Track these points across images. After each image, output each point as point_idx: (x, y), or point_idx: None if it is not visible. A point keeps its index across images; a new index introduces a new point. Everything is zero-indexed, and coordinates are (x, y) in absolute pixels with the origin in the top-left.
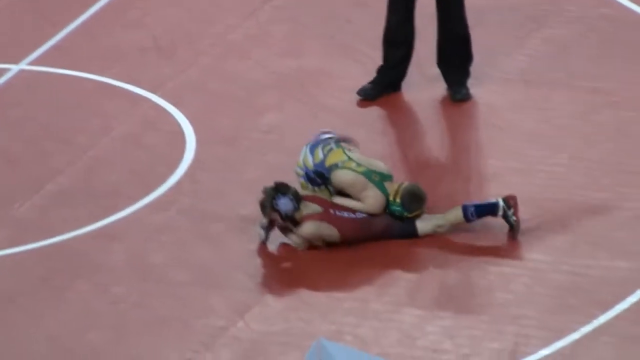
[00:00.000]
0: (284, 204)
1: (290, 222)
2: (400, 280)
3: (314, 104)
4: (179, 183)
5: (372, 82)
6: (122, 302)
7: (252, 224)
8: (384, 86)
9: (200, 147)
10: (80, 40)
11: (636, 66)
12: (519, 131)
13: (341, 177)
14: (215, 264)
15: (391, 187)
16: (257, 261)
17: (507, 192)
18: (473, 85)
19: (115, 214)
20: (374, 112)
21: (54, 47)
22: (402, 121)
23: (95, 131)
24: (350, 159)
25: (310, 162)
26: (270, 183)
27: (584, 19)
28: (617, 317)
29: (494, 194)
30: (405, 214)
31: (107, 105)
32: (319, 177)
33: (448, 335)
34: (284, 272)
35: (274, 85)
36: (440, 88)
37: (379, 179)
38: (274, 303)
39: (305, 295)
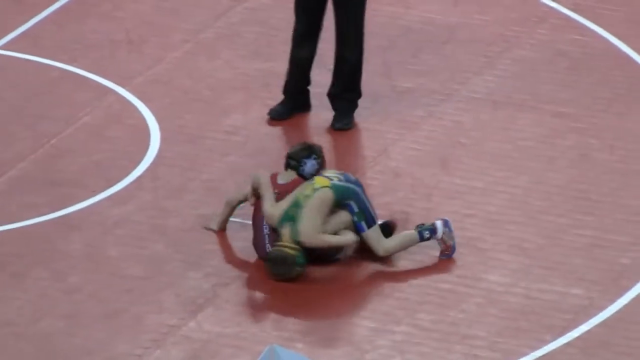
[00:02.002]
0: (311, 165)
1: None
2: (354, 293)
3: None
4: (140, 178)
5: (282, 102)
6: (77, 292)
7: (210, 223)
8: (294, 105)
9: (163, 143)
10: (51, 29)
11: (603, 93)
12: (483, 150)
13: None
14: (171, 261)
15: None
16: (214, 262)
17: (467, 211)
18: (441, 101)
19: (75, 205)
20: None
21: (24, 34)
22: (371, 135)
23: (61, 120)
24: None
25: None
26: (230, 184)
27: (554, 43)
28: (568, 344)
29: (454, 212)
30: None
31: (74, 95)
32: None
33: (398, 350)
34: (240, 276)
35: (241, 86)
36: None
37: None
38: (227, 305)
39: (260, 300)
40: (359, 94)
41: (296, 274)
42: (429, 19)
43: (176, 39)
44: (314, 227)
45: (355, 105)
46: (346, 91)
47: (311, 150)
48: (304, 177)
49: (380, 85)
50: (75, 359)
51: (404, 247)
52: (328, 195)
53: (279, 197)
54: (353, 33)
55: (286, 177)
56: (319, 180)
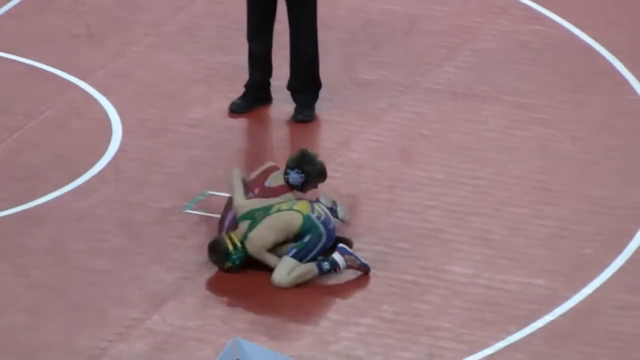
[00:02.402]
0: (293, 177)
1: None
2: (318, 285)
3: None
4: (102, 172)
5: (242, 96)
6: (40, 286)
7: (172, 216)
8: (254, 99)
9: (125, 137)
10: (11, 22)
11: (564, 84)
12: (444, 142)
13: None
14: (134, 255)
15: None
16: (176, 255)
17: (429, 202)
18: (402, 93)
19: (38, 199)
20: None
21: None
22: (332, 127)
23: (22, 114)
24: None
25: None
26: (192, 178)
27: (515, 34)
28: (532, 335)
29: (416, 203)
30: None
31: (35, 89)
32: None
33: (362, 342)
34: (203, 269)
35: (203, 79)
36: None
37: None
38: (190, 299)
39: (223, 293)
40: (318, 85)
41: (227, 268)
42: (390, 11)
43: (137, 32)
44: (262, 241)
45: (315, 97)
46: (305, 83)
47: (299, 163)
48: (290, 186)
49: (341, 78)
50: (39, 353)
51: (302, 280)
52: (296, 221)
53: (260, 196)
54: (306, 24)
55: (276, 180)
56: (301, 204)
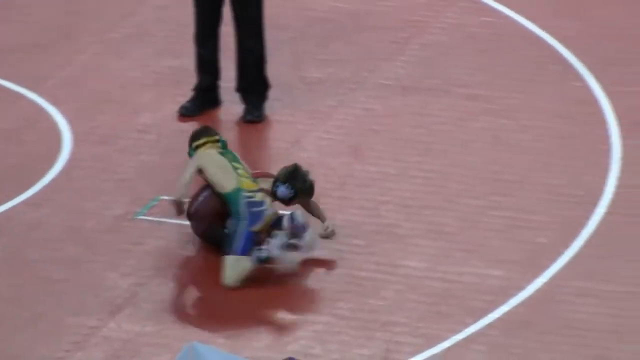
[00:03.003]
0: (282, 191)
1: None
2: (273, 284)
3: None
4: (54, 181)
5: (191, 99)
6: None
7: (125, 222)
8: (203, 102)
9: (76, 145)
10: None
11: (513, 74)
12: (396, 137)
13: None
14: (89, 262)
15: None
16: (130, 262)
17: (382, 198)
18: (351, 90)
19: None
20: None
21: None
22: (282, 127)
23: None
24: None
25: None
26: (144, 183)
27: (463, 26)
28: (489, 326)
29: (369, 199)
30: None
31: None
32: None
33: (319, 340)
34: (157, 274)
35: (152, 84)
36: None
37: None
38: (146, 304)
39: (178, 297)
40: (267, 86)
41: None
42: (336, 8)
43: (84, 40)
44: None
45: (264, 97)
46: (254, 83)
47: (290, 178)
48: (276, 198)
49: (289, 77)
50: None
51: (243, 275)
52: (229, 184)
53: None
54: (252, 23)
55: (264, 183)
56: (248, 183)
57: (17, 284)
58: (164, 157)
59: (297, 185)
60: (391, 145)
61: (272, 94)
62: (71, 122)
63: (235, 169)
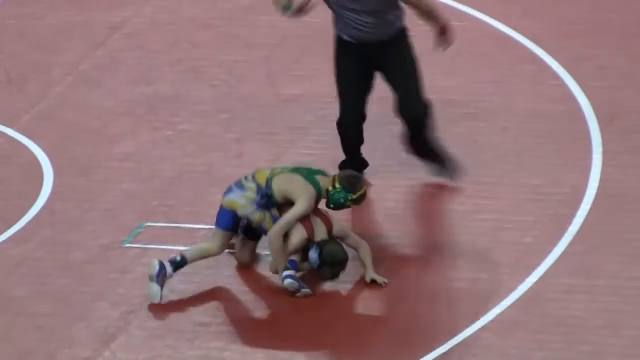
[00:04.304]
0: (312, 256)
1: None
2: (265, 304)
3: (168, 129)
4: (37, 215)
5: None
6: None
7: (112, 251)
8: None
9: (57, 178)
10: None
11: (488, 77)
12: (375, 147)
13: (278, 182)
14: (77, 294)
15: (324, 180)
16: (119, 290)
17: (366, 208)
18: (328, 104)
19: None
20: (228, 136)
21: None
22: (262, 145)
23: None
24: (274, 168)
25: (250, 196)
26: (128, 211)
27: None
28: (482, 329)
29: (353, 210)
30: (350, 196)
31: None
32: (267, 197)
33: (314, 358)
34: (147, 300)
35: (127, 112)
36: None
37: (307, 172)
38: (138, 331)
39: (171, 322)
40: (443, 155)
41: (365, 192)
42: (306, 24)
43: (57, 73)
44: None
45: (444, 165)
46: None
47: (329, 255)
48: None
49: (266, 95)
50: None
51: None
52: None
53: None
54: (414, 87)
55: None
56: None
57: (6, 322)
58: (146, 184)
59: (326, 260)
60: (371, 157)
61: (248, 112)
62: (50, 155)
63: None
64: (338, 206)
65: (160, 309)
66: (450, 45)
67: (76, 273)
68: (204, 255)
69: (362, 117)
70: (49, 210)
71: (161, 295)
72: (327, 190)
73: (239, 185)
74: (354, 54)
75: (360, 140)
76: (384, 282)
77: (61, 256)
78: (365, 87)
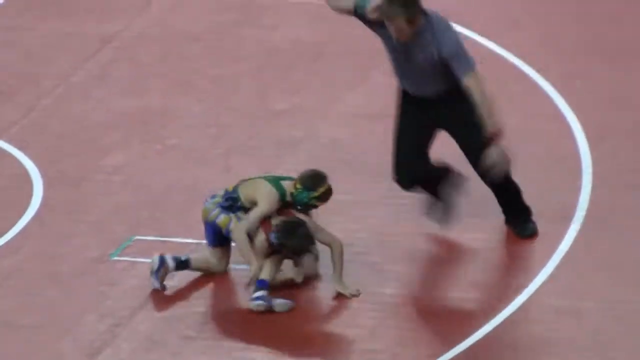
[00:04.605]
0: (272, 237)
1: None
2: (252, 318)
3: (158, 142)
4: (26, 227)
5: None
6: None
7: (100, 264)
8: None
9: (47, 190)
10: None
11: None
12: (365, 165)
13: (244, 187)
14: (65, 306)
15: (290, 184)
16: (107, 303)
17: (355, 226)
18: (317, 118)
19: None
20: (218, 151)
21: None
22: (249, 159)
23: None
24: (244, 179)
25: (217, 200)
26: (117, 224)
27: None
28: (469, 349)
29: (341, 228)
30: (312, 194)
31: None
32: (232, 200)
33: None
34: (135, 313)
35: (118, 125)
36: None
37: (272, 178)
38: (125, 344)
39: (157, 335)
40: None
41: (327, 190)
42: (295, 38)
43: (47, 85)
44: None
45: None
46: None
47: (285, 232)
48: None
49: (255, 109)
50: None
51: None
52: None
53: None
54: (481, 145)
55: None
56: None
57: None
58: (136, 196)
59: (284, 241)
60: (360, 174)
61: (238, 126)
62: (39, 167)
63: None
64: (304, 206)
65: (147, 322)
66: (496, 168)
67: (64, 286)
68: (207, 268)
69: (412, 172)
70: (38, 222)
71: (164, 286)
72: (292, 194)
73: (213, 196)
74: (412, 105)
75: (428, 181)
76: (351, 295)
77: (50, 269)
78: (420, 142)
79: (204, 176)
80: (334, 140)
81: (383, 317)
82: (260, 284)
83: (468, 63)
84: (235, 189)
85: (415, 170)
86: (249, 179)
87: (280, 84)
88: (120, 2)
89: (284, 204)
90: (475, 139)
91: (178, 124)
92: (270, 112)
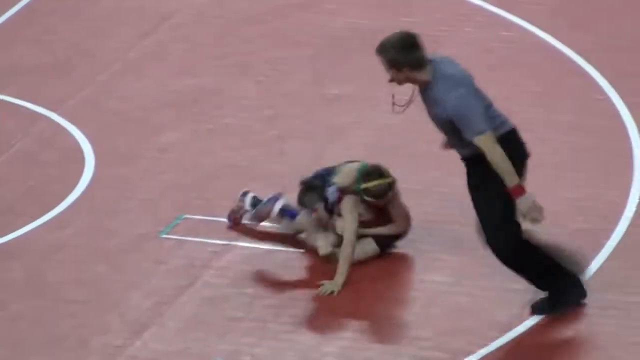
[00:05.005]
0: (332, 193)
1: (328, 212)
2: (299, 301)
3: (210, 122)
4: (76, 201)
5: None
6: (20, 319)
7: (149, 241)
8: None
9: (98, 165)
10: None
11: (531, 87)
12: (415, 152)
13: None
14: (112, 282)
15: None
16: (154, 280)
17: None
18: (371, 105)
19: (13, 232)
20: (271, 132)
21: None
22: (303, 144)
23: None
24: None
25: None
26: (167, 202)
27: (481, 40)
28: (515, 339)
29: None
30: (361, 185)
31: (4, 122)
32: (322, 180)
33: (346, 357)
34: (181, 292)
35: (172, 103)
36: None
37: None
38: (171, 323)
39: (203, 315)
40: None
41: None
42: (355, 25)
43: (104, 60)
44: None
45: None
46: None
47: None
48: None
49: (310, 93)
50: None
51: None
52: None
53: None
54: (487, 219)
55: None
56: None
57: (40, 306)
58: (186, 175)
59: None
60: (411, 161)
61: (292, 110)
62: (92, 142)
63: None
64: (358, 195)
65: (193, 301)
66: (527, 218)
67: (112, 261)
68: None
69: (494, 239)
70: (88, 197)
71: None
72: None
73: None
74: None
75: (525, 265)
76: (333, 292)
77: (98, 244)
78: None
79: (257, 158)
80: (384, 127)
81: (430, 304)
82: (290, 214)
83: (476, 126)
84: (334, 169)
85: (487, 234)
86: (347, 164)
87: (337, 70)
88: None
89: None
90: (479, 205)
91: (232, 105)
92: (326, 97)
